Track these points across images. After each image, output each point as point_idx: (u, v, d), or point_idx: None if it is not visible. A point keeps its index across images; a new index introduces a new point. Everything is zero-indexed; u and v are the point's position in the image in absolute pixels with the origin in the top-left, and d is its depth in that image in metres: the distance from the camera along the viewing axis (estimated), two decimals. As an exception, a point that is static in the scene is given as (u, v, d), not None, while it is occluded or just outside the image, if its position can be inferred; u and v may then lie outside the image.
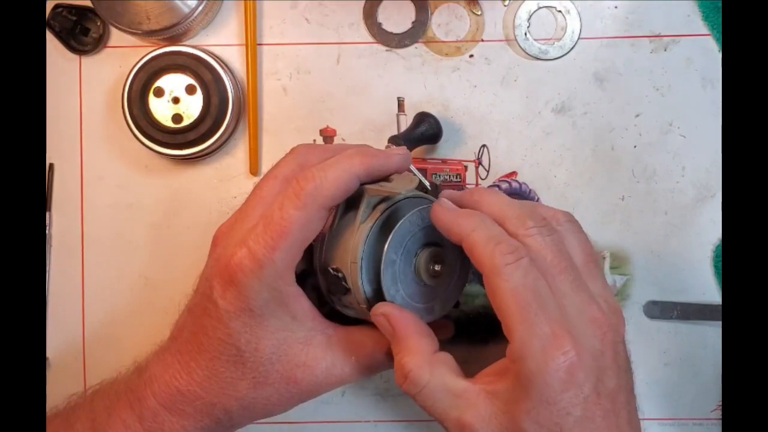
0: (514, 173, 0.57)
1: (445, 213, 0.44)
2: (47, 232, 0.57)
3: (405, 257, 0.45)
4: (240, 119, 0.57)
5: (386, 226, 0.45)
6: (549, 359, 0.39)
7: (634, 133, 0.57)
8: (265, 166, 0.57)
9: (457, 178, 0.57)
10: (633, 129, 0.57)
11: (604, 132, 0.57)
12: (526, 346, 0.40)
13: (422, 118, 0.55)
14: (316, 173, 0.44)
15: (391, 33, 0.57)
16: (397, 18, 0.57)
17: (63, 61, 0.57)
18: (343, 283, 0.45)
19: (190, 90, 0.54)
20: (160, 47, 0.55)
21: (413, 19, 0.57)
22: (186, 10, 0.54)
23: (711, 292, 0.56)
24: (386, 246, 0.44)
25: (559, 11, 0.57)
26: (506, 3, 0.57)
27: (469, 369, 0.44)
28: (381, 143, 0.56)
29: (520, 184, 0.57)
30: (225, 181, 0.58)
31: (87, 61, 0.58)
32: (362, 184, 0.45)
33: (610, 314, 0.43)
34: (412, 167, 0.50)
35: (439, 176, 0.57)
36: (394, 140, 0.53)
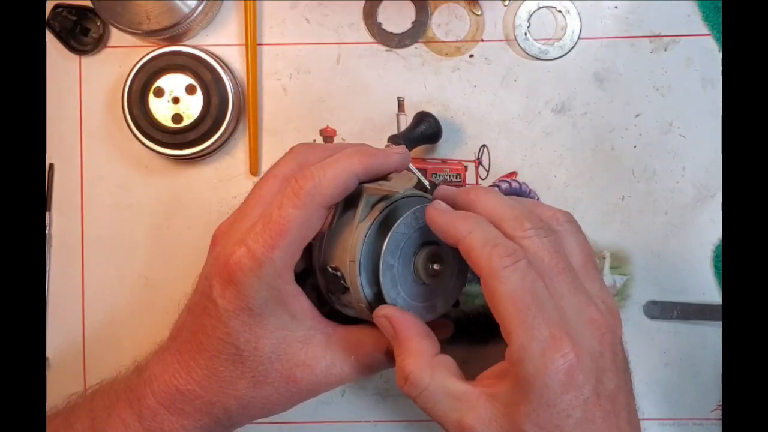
0: (514, 173, 0.57)
1: (440, 215, 0.43)
2: (47, 232, 0.57)
3: (403, 260, 0.45)
4: (240, 119, 0.57)
5: (385, 225, 0.45)
6: (548, 362, 0.39)
7: (634, 133, 0.57)
8: (265, 166, 0.57)
9: (457, 178, 0.57)
10: (633, 129, 0.57)
11: (604, 132, 0.57)
12: (525, 349, 0.40)
13: (422, 117, 0.55)
14: (315, 172, 0.44)
15: (391, 33, 0.57)
16: (397, 18, 0.57)
17: (63, 61, 0.57)
18: (342, 282, 0.45)
19: (190, 90, 0.55)
20: (160, 47, 0.55)
21: (413, 19, 0.57)
22: (186, 10, 0.54)
23: (711, 292, 0.56)
24: (383, 251, 0.44)
25: (559, 11, 0.57)
26: (506, 3, 0.57)
27: (469, 369, 0.44)
28: (381, 143, 0.56)
29: (520, 184, 0.57)
30: (225, 181, 0.58)
31: (87, 61, 0.58)
32: (361, 183, 0.45)
33: (608, 315, 0.42)
34: (411, 166, 0.50)
35: (439, 176, 0.57)
36: (393, 140, 0.53)
